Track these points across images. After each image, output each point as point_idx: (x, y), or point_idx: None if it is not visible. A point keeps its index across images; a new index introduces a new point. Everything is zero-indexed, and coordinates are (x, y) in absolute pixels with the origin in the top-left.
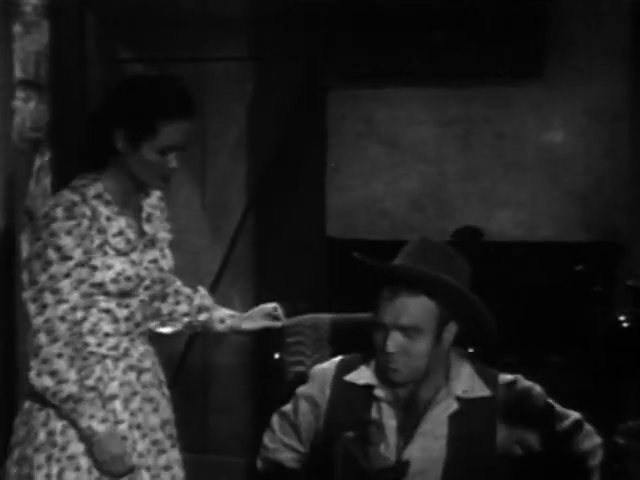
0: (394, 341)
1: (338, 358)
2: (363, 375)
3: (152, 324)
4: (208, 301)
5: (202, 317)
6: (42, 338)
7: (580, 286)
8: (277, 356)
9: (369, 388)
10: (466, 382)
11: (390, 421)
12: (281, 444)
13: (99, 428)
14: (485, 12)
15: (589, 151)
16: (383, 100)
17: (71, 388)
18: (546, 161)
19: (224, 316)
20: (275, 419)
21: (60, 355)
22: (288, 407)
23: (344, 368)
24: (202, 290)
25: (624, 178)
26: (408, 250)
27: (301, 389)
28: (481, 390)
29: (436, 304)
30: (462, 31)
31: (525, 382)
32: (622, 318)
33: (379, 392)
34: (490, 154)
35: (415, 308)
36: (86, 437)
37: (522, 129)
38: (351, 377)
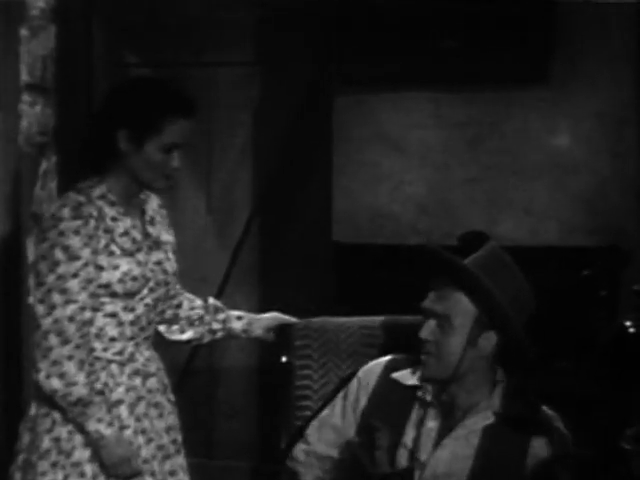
0: (428, 328)
1: (388, 356)
2: (409, 376)
3: (169, 332)
4: (220, 304)
5: (220, 316)
6: (52, 339)
7: (585, 291)
8: (284, 359)
9: (413, 389)
10: (508, 401)
11: (430, 422)
12: (315, 458)
13: (107, 431)
14: (491, 16)
15: (595, 156)
16: (389, 104)
17: (80, 391)
18: (552, 165)
19: (239, 314)
20: (312, 430)
21: (70, 357)
22: (328, 412)
23: (392, 366)
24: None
25: (630, 183)
26: (476, 254)
27: (359, 372)
28: (520, 412)
29: (475, 307)
30: (468, 35)
31: (561, 424)
32: (628, 323)
33: (422, 393)
34: (496, 158)
35: (453, 301)
36: (93, 441)
37: (528, 133)
38: (397, 376)
